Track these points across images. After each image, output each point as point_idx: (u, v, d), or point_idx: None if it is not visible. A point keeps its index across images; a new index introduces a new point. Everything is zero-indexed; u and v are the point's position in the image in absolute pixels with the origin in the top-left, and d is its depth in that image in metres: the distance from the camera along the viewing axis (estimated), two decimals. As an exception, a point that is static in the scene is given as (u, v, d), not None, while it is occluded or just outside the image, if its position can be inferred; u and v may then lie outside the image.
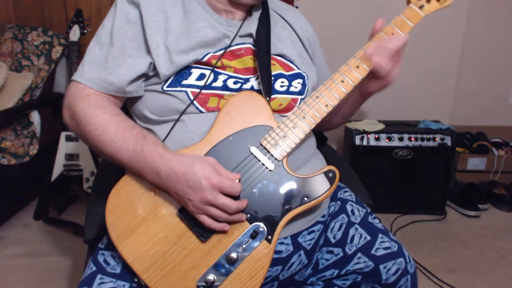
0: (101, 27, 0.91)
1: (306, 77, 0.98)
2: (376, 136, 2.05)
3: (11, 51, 2.14)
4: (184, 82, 0.88)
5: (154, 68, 0.88)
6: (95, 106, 0.84)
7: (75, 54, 2.03)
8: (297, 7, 2.07)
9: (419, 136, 2.05)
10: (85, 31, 2.08)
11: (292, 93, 0.95)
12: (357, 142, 2.05)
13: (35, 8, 2.31)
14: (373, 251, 0.92)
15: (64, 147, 2.00)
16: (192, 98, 0.87)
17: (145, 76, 0.90)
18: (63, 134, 2.00)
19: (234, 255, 0.77)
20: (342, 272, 0.93)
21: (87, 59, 0.89)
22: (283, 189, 0.81)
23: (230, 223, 0.78)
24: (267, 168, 0.81)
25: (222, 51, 0.90)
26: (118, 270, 0.82)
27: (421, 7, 0.91)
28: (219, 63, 0.89)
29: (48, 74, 2.14)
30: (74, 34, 2.06)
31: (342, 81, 0.86)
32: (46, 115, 2.13)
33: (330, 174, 0.83)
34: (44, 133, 2.09)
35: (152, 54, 0.87)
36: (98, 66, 0.87)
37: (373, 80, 0.89)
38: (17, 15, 2.34)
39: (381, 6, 2.16)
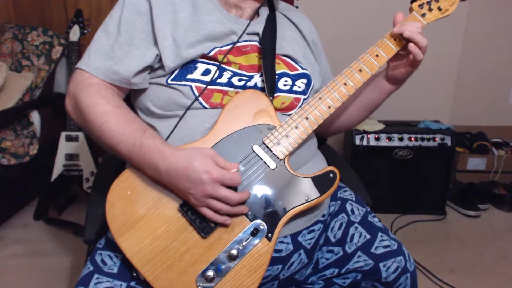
0: (109, 17, 0.91)
1: (310, 77, 0.99)
2: (376, 136, 2.05)
3: (11, 51, 2.14)
4: (189, 76, 0.88)
5: (160, 60, 0.88)
6: (98, 96, 0.83)
7: (75, 54, 2.03)
8: (297, 7, 2.07)
9: (419, 136, 2.05)
10: (85, 31, 2.08)
11: (295, 92, 0.95)
12: (357, 142, 2.05)
13: (35, 8, 2.32)
14: (372, 250, 0.92)
15: (64, 147, 2.01)
16: (196, 92, 0.87)
17: (150, 68, 0.90)
18: (63, 134, 2.00)
19: (234, 251, 0.78)
20: (342, 271, 0.93)
21: (93, 48, 0.89)
22: (284, 188, 0.82)
23: (232, 216, 0.78)
24: (269, 166, 0.82)
25: (229, 46, 0.91)
26: (115, 270, 0.82)
27: (423, 15, 0.95)
28: (225, 59, 0.90)
29: (48, 74, 2.14)
30: (74, 34, 2.06)
31: (345, 84, 0.89)
32: (46, 115, 2.13)
33: (331, 175, 0.85)
34: (44, 133, 2.09)
35: (158, 45, 0.87)
36: (104, 55, 0.87)
37: (403, 65, 0.94)
38: (17, 15, 2.34)
39: (381, 7, 2.16)
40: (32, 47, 2.14)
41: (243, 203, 0.79)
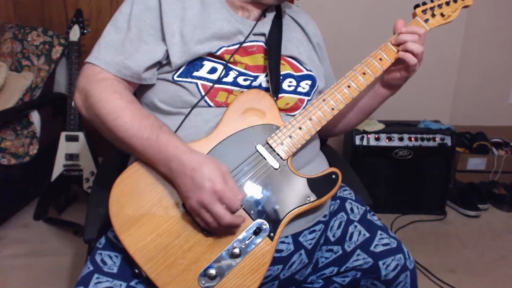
0: (118, 12, 0.91)
1: (315, 79, 0.99)
2: (376, 136, 2.05)
3: (11, 51, 2.14)
4: (195, 73, 0.88)
5: (168, 57, 0.88)
6: (111, 90, 0.83)
7: (75, 54, 2.03)
8: (297, 6, 2.07)
9: (419, 136, 2.05)
10: (85, 31, 2.08)
11: (299, 93, 0.96)
12: (357, 142, 2.05)
13: (35, 8, 2.32)
14: (372, 248, 0.92)
15: (64, 147, 2.01)
16: (202, 90, 0.88)
17: (159, 64, 0.90)
18: (63, 134, 2.00)
19: (236, 250, 0.78)
20: (342, 269, 0.93)
21: (102, 42, 0.89)
22: (286, 188, 0.82)
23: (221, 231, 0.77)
24: (272, 166, 0.82)
25: (236, 46, 0.91)
26: (115, 269, 0.82)
27: (426, 20, 0.97)
28: (231, 59, 0.90)
29: (48, 74, 2.14)
30: (74, 34, 2.06)
31: (349, 86, 0.90)
32: (46, 115, 2.13)
33: (333, 176, 0.86)
34: (44, 133, 2.09)
35: (166, 41, 0.87)
36: (114, 49, 0.87)
37: (399, 70, 0.96)
38: (17, 15, 2.34)
39: (381, 7, 2.16)
40: (32, 47, 2.14)
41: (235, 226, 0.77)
